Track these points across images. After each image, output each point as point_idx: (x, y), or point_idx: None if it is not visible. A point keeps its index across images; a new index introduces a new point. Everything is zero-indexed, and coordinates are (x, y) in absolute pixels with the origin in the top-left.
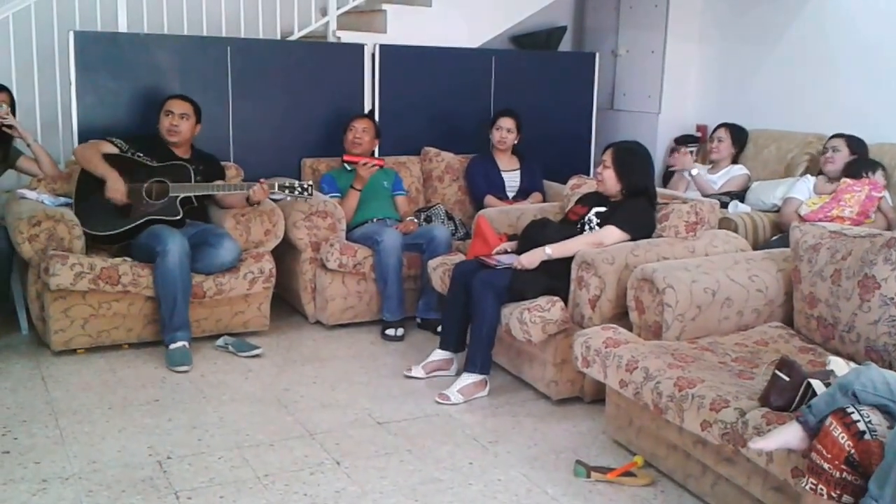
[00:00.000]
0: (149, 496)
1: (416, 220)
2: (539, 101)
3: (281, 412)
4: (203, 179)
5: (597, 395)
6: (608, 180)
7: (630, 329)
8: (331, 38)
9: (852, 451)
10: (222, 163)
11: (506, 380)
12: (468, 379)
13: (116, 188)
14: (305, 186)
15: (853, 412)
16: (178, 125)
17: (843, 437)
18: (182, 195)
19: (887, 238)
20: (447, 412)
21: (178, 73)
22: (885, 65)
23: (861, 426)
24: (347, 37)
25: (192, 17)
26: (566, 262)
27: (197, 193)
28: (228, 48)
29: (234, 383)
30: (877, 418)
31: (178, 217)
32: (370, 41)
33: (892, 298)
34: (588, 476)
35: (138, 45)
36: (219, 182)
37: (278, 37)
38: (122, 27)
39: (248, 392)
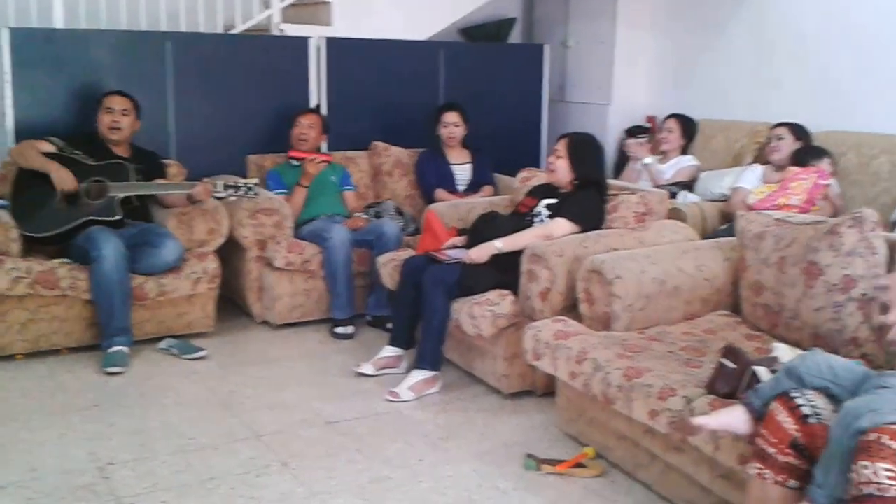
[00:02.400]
0: (90, 503)
1: (365, 216)
2: (489, 94)
3: (226, 414)
4: (143, 178)
5: (548, 389)
6: (560, 170)
7: (580, 321)
8: (275, 31)
9: (797, 434)
10: (163, 160)
11: (457, 375)
12: (419, 376)
13: (63, 178)
14: (251, 186)
15: (797, 396)
16: (119, 122)
17: (787, 421)
18: (122, 195)
19: (831, 225)
20: (397, 410)
21: (116, 69)
22: (827, 54)
23: (806, 410)
24: (292, 30)
25: (131, 10)
26: (516, 255)
27: (136, 193)
28: (168, 42)
29: (177, 386)
30: (822, 402)
31: (117, 218)
32: (315, 34)
33: (836, 285)
34: (538, 469)
35: (75, 41)
36: (160, 181)
37: (220, 30)
38: (59, 23)
39: (193, 395)
